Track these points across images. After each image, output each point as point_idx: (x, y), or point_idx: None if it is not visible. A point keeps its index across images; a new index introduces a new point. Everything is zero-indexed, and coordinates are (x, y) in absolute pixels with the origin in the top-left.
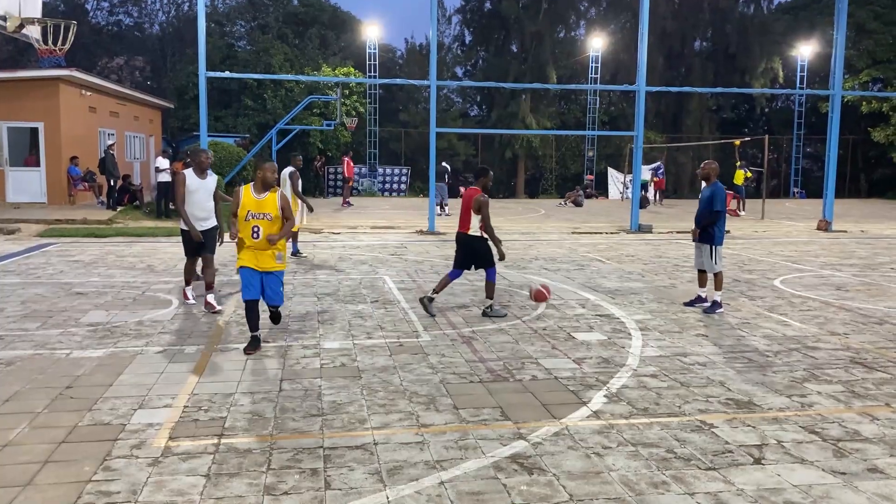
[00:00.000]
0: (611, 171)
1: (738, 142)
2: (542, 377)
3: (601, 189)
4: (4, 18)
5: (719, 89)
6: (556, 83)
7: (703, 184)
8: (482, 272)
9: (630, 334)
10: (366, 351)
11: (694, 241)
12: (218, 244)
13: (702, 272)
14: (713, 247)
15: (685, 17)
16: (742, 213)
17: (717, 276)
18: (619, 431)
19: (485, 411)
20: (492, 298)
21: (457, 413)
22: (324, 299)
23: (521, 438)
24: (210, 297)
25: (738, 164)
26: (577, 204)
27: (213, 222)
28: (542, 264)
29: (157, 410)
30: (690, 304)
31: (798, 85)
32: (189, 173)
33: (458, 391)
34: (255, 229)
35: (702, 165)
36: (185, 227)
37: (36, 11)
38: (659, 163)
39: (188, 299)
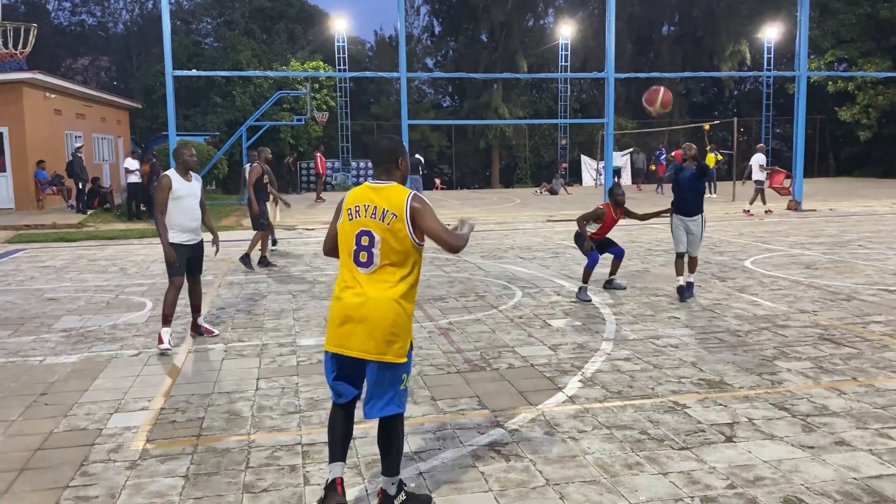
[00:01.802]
0: (584, 159)
1: (707, 126)
2: (519, 365)
3: (575, 177)
4: None
5: (688, 73)
6: (527, 72)
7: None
8: (457, 265)
9: (604, 319)
10: None
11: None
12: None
13: (682, 257)
14: (704, 217)
15: (652, 3)
16: (714, 195)
17: (695, 260)
18: (594, 415)
19: (462, 401)
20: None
21: (434, 404)
22: (299, 296)
23: (498, 426)
24: (202, 321)
25: (708, 147)
26: (552, 192)
27: (201, 235)
28: (517, 253)
29: (134, 414)
30: (684, 296)
31: (765, 67)
32: (173, 175)
33: (435, 382)
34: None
35: (684, 147)
36: (173, 242)
37: None
38: (661, 148)
39: (162, 343)
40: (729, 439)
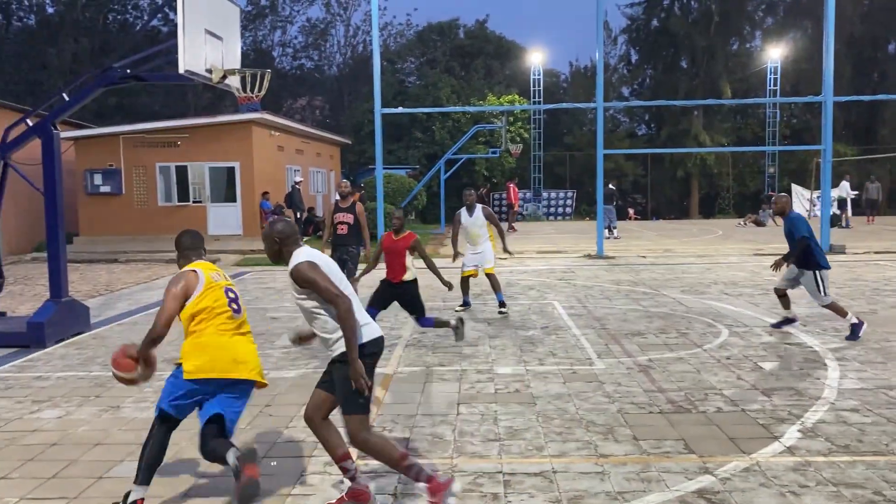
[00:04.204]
0: (795, 188)
1: None
2: (728, 409)
3: None
4: (210, 71)
5: None
6: (731, 98)
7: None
8: (656, 300)
9: (825, 364)
10: (539, 377)
11: (776, 270)
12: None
13: (782, 296)
14: (817, 272)
15: (876, 19)
16: None
17: (833, 307)
18: (818, 469)
19: (667, 443)
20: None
21: (637, 444)
22: (494, 324)
23: (707, 473)
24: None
25: None
26: (759, 223)
27: None
28: (721, 289)
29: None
30: (779, 325)
31: None
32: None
33: (637, 421)
34: None
35: (773, 200)
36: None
37: (236, 63)
38: None
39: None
40: None
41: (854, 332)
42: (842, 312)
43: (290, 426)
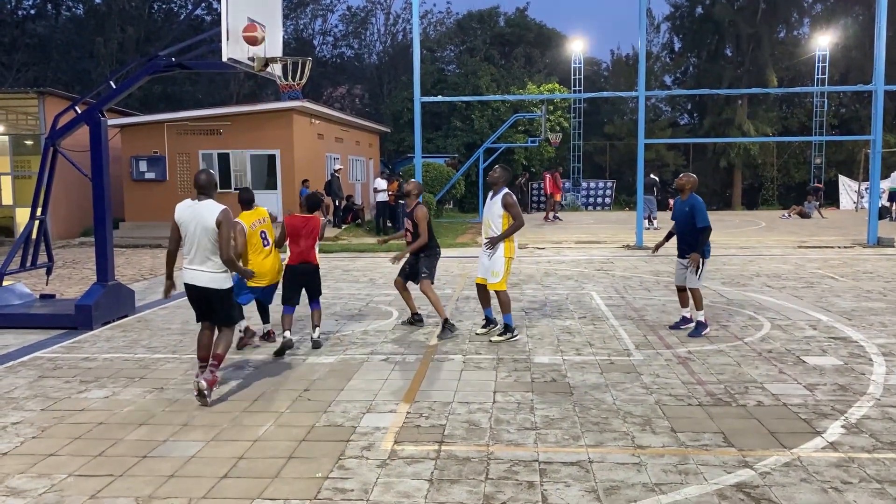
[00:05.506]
0: (842, 179)
1: None
2: (769, 403)
3: (831, 199)
4: (252, 59)
5: None
6: (777, 87)
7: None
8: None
9: (871, 360)
10: (576, 367)
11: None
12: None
13: (682, 291)
14: (701, 260)
15: None
16: None
17: (696, 294)
18: (861, 466)
19: (705, 436)
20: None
21: (675, 436)
22: (531, 314)
23: (746, 467)
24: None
25: None
26: (804, 215)
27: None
28: (764, 281)
29: (383, 415)
30: (675, 326)
31: None
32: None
33: (675, 413)
34: None
35: (679, 176)
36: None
37: (278, 51)
38: None
39: None
40: None
41: (698, 329)
42: (699, 304)
43: (329, 410)
